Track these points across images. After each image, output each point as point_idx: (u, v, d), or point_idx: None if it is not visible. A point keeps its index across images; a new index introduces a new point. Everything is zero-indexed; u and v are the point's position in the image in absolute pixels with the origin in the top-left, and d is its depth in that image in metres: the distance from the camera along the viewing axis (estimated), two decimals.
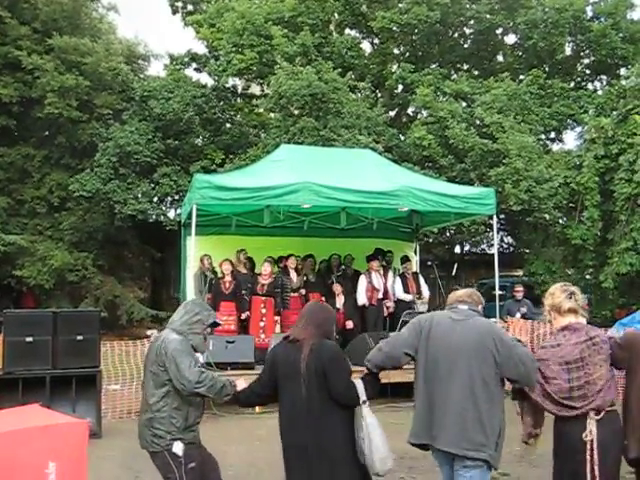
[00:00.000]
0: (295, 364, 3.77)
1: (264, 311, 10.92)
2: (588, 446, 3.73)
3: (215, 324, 4.37)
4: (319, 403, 3.75)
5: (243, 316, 10.82)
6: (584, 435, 3.74)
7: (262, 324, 10.87)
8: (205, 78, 21.98)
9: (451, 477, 3.79)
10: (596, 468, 3.71)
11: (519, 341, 3.91)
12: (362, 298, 11.33)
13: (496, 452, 3.68)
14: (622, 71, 19.84)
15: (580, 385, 3.79)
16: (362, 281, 11.40)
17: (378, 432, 3.83)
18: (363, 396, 3.83)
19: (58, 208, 18.70)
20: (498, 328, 4.00)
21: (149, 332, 15.90)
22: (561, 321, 4.01)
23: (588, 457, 3.72)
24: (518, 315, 11.84)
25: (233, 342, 9.74)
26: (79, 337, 7.84)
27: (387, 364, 3.97)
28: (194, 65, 22.42)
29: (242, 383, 4.17)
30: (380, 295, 11.50)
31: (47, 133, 19.37)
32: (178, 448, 4.00)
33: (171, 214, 19.21)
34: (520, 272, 20.56)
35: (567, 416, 3.81)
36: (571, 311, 3.98)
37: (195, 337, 4.17)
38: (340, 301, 11.37)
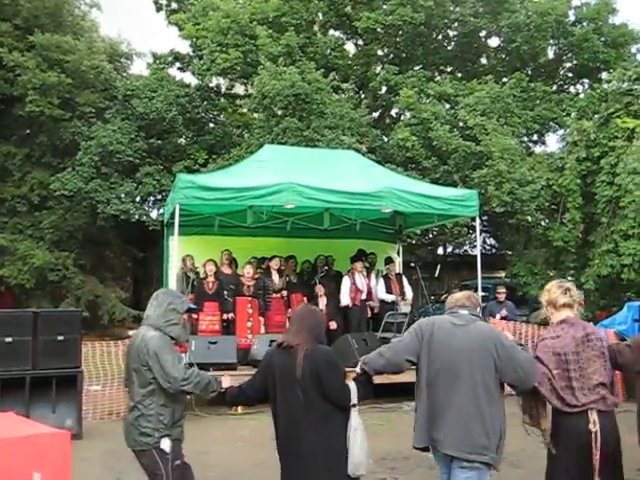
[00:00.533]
0: (291, 370, 3.78)
1: (251, 311, 10.91)
2: (593, 436, 3.85)
3: (190, 309, 4.32)
4: (317, 407, 3.77)
5: (228, 317, 10.77)
6: (590, 426, 3.86)
7: (249, 324, 10.86)
8: (188, 77, 21.90)
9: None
10: (598, 454, 3.84)
11: (520, 345, 4.06)
12: (345, 299, 11.35)
13: (497, 454, 3.75)
14: (604, 75, 20.00)
15: (576, 377, 3.91)
16: (345, 282, 11.43)
17: (359, 437, 3.86)
18: (354, 399, 3.87)
19: (39, 207, 18.52)
20: (499, 333, 4.08)
21: (131, 332, 15.77)
22: (557, 316, 4.14)
23: (593, 445, 3.84)
24: (498, 316, 11.92)
25: (215, 343, 9.71)
26: (60, 337, 7.79)
27: (387, 370, 4.04)
28: (177, 64, 22.28)
29: (227, 380, 4.16)
30: (364, 296, 11.53)
31: (28, 131, 19.17)
32: (166, 444, 3.99)
33: (154, 214, 19.09)
34: (502, 274, 20.67)
35: (569, 412, 3.92)
36: (566, 306, 4.11)
37: (174, 328, 4.11)
38: (323, 302, 11.37)
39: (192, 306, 4.37)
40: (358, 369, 4.07)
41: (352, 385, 3.91)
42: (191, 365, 9.06)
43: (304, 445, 3.75)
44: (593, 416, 3.87)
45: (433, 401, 3.81)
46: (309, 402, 3.76)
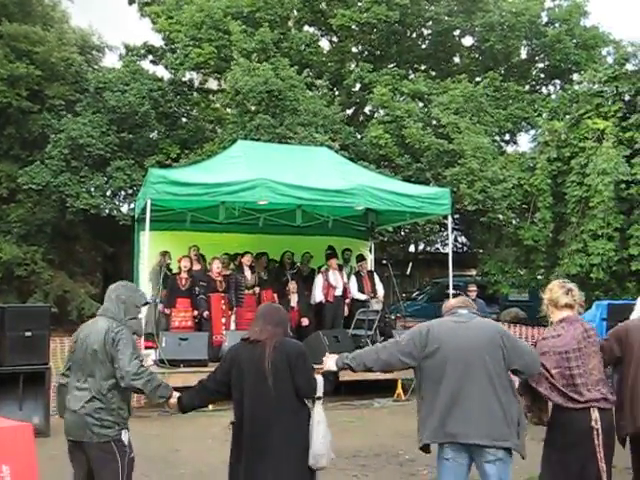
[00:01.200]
0: (259, 363, 3.79)
1: (224, 308, 10.87)
2: (595, 433, 3.97)
3: (146, 303, 4.38)
4: (286, 400, 3.79)
5: (202, 313, 10.65)
6: (592, 423, 3.97)
7: (224, 320, 10.82)
8: (161, 71, 21.67)
9: (464, 472, 3.88)
10: (602, 451, 3.96)
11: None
12: (318, 295, 11.33)
13: (519, 440, 3.83)
14: (575, 76, 20.26)
15: (580, 373, 4.03)
16: (318, 278, 11.42)
17: (321, 429, 3.89)
18: (320, 392, 3.91)
19: (7, 200, 18.22)
20: (501, 325, 4.23)
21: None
22: (558, 315, 4.24)
23: (596, 442, 3.95)
24: None
25: (186, 339, 9.65)
26: (28, 333, 7.65)
27: (379, 367, 4.09)
28: (150, 57, 22.02)
29: (177, 393, 4.13)
30: (339, 292, 11.49)
31: None
32: (126, 437, 4.01)
33: (124, 209, 18.90)
34: (473, 272, 20.85)
35: (572, 407, 4.02)
36: (567, 306, 4.22)
37: (134, 322, 4.17)
38: (294, 299, 11.35)
39: (147, 300, 4.42)
40: (333, 366, 4.07)
41: (319, 378, 3.95)
42: (162, 362, 9.07)
43: (272, 439, 3.73)
44: (595, 414, 3.98)
45: (446, 397, 3.82)
46: (278, 395, 3.76)
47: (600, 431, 3.95)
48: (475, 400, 3.77)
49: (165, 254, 11.16)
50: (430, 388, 3.91)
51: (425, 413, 3.93)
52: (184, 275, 10.73)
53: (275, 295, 11.38)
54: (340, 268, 12.00)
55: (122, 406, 3.99)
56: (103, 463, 3.96)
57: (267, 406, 3.76)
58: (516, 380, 4.11)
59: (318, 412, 3.92)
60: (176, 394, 4.10)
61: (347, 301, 11.67)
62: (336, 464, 5.76)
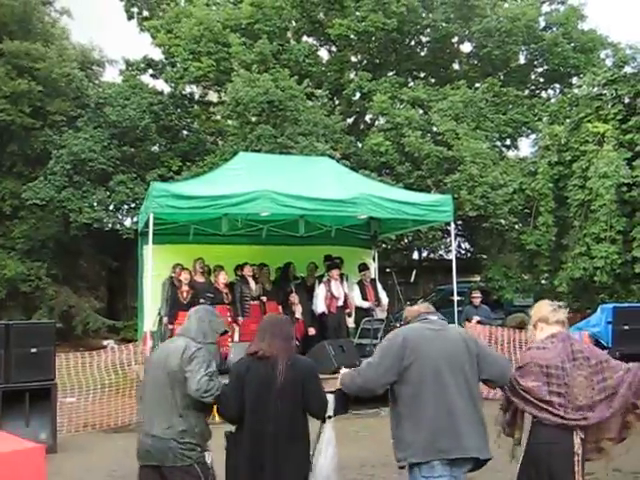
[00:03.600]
0: (270, 380, 3.74)
1: (230, 320, 10.83)
2: (576, 458, 3.80)
3: (225, 332, 4.38)
4: (295, 418, 3.75)
5: None
6: (576, 448, 3.80)
7: (229, 332, 10.78)
8: (161, 85, 21.77)
9: None
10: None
11: None
12: (321, 306, 11.27)
13: None
14: (574, 80, 20.32)
15: (559, 392, 3.83)
16: (321, 289, 11.35)
17: (330, 451, 3.84)
18: (330, 411, 3.88)
19: (10, 217, 18.27)
20: (473, 333, 4.13)
21: (105, 342, 15.61)
22: (548, 330, 4.09)
23: (576, 469, 3.79)
24: (474, 321, 11.98)
25: None
26: (33, 350, 7.66)
27: (362, 394, 3.97)
28: (150, 71, 22.15)
29: None
30: (340, 303, 11.46)
31: None
32: (209, 459, 3.98)
33: (127, 222, 18.91)
34: (477, 278, 20.81)
35: (550, 424, 3.84)
36: (559, 322, 4.12)
37: (210, 347, 4.12)
38: (299, 310, 11.33)
39: (226, 329, 4.41)
40: (339, 384, 4.00)
41: (330, 397, 3.91)
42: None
43: (275, 458, 3.69)
44: (577, 439, 3.81)
45: (433, 412, 3.65)
46: (287, 414, 3.72)
47: (581, 457, 3.78)
48: (462, 413, 3.66)
49: (176, 266, 11.07)
50: (411, 402, 3.70)
51: (409, 430, 3.69)
52: (185, 288, 10.68)
53: (280, 307, 11.37)
54: (341, 278, 11.98)
55: (202, 426, 3.96)
56: None
57: (274, 424, 3.70)
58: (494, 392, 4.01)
59: (328, 432, 3.88)
60: None
61: (347, 311, 11.60)
62: (344, 475, 5.75)
